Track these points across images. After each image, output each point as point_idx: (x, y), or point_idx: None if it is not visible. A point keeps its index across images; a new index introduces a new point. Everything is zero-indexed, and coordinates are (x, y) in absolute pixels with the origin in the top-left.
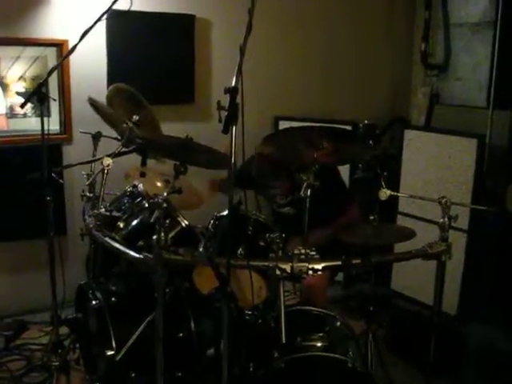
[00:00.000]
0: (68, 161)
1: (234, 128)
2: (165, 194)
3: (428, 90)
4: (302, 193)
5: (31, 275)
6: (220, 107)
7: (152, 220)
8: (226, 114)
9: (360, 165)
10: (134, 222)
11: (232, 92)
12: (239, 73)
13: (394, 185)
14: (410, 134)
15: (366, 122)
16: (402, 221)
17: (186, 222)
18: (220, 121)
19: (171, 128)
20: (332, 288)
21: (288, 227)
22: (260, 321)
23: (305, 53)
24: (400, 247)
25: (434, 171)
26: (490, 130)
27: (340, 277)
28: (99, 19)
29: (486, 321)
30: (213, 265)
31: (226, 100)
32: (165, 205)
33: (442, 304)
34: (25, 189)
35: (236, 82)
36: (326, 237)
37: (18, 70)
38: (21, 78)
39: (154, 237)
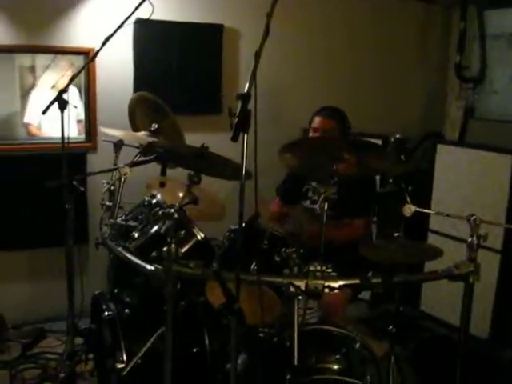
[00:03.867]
0: (92, 169)
1: (245, 136)
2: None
3: (463, 103)
4: (318, 206)
5: (52, 283)
6: (231, 114)
7: (162, 231)
8: (236, 120)
9: (390, 180)
10: (149, 232)
11: (244, 98)
12: (253, 78)
13: (425, 200)
14: (442, 149)
15: (397, 135)
16: (433, 239)
17: (202, 235)
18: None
19: (197, 138)
20: (357, 307)
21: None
22: (275, 339)
23: (334, 64)
24: (430, 266)
25: (467, 187)
26: None
27: (367, 295)
28: (121, 26)
29: None
30: (219, 279)
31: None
32: (176, 215)
33: (473, 327)
34: (47, 196)
35: (249, 87)
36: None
37: (51, 79)
38: (53, 86)
39: (165, 248)
